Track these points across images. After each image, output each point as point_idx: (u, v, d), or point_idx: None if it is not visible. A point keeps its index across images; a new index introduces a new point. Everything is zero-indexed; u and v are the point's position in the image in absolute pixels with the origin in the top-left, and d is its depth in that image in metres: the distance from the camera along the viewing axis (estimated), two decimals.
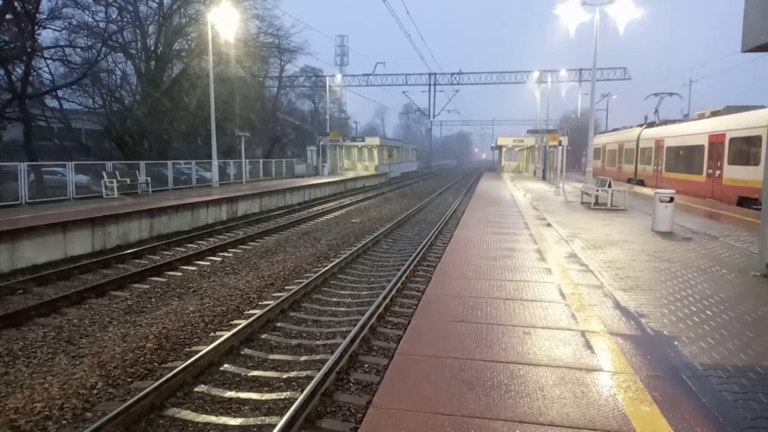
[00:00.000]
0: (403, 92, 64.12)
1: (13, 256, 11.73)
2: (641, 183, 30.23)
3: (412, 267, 12.32)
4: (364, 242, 15.53)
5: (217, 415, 5.82)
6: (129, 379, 6.62)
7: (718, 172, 20.15)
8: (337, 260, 12.88)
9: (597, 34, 23.24)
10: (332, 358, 6.78)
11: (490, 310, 6.34)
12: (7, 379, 6.51)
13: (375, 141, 56.19)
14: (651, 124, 31.79)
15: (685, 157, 24.04)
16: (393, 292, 10.17)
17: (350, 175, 44.97)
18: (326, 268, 11.94)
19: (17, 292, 10.24)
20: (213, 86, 26.45)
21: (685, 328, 5.72)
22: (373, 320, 8.56)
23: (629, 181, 31.86)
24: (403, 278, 11.28)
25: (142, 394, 5.79)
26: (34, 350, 7.43)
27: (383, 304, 9.34)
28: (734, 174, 18.96)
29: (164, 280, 11.59)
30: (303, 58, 60.27)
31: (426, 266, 12.75)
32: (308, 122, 61.98)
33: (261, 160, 36.84)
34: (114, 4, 32.07)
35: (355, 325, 8.14)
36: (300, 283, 10.94)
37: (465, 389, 4.22)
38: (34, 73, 28.10)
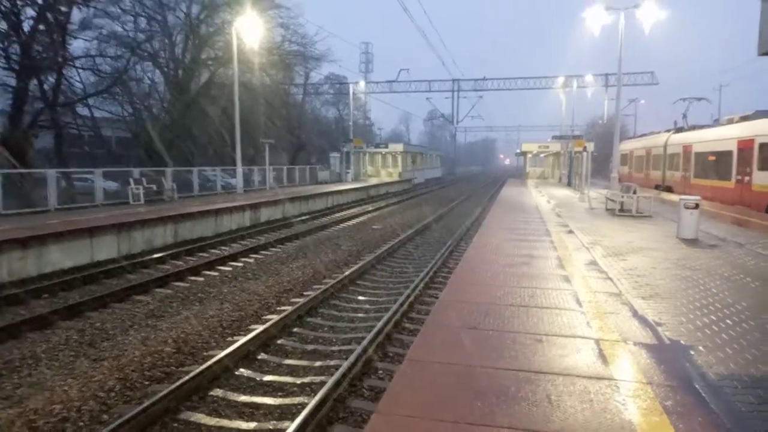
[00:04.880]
0: (427, 98, 64.18)
1: (40, 260, 12.03)
2: (669, 189, 29.67)
3: (431, 274, 12.29)
4: (384, 249, 15.56)
5: (230, 419, 5.89)
6: (146, 383, 6.73)
7: (747, 178, 19.68)
8: (356, 266, 12.92)
9: (622, 38, 22.96)
10: (346, 364, 6.81)
11: (503, 317, 6.29)
12: (30, 380, 6.68)
13: (398, 147, 56.24)
14: (679, 130, 31.22)
15: (713, 163, 23.54)
16: (411, 299, 10.16)
17: (374, 181, 45.09)
18: (345, 275, 11.99)
19: (43, 296, 10.50)
20: (238, 94, 26.83)
21: (702, 337, 5.60)
22: (389, 327, 8.56)
23: (657, 187, 31.30)
24: (422, 285, 11.26)
25: (157, 397, 5.90)
26: (56, 353, 7.62)
27: (400, 311, 9.34)
28: (764, 180, 18.50)
29: (186, 284, 11.77)
30: (327, 66, 60.71)
31: (446, 273, 12.70)
32: (332, 129, 62.38)
33: (285, 167, 37.17)
34: (143, 14, 32.84)
35: (370, 331, 8.16)
36: (318, 288, 11.00)
37: (471, 396, 4.20)
38: (66, 82, 28.86)
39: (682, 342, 5.48)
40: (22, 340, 8.17)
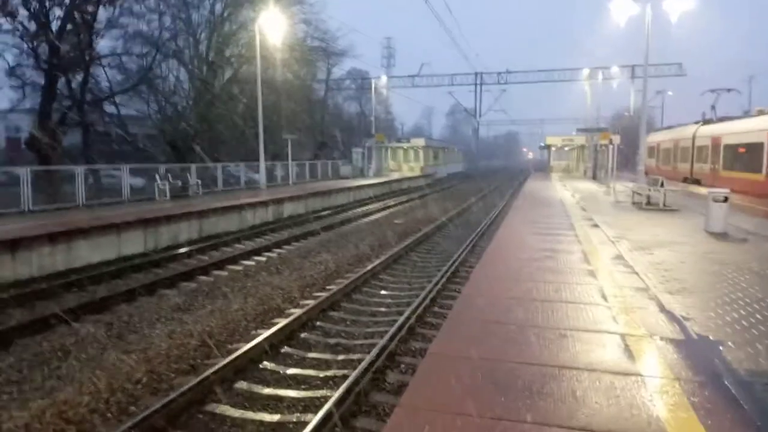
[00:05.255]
0: (449, 92, 63.72)
1: (69, 255, 12.27)
2: (697, 182, 29.08)
3: (453, 269, 12.24)
4: (406, 243, 15.54)
5: (254, 411, 5.95)
6: (173, 375, 6.83)
7: None
8: (379, 261, 12.93)
9: (649, 29, 22.56)
10: (369, 358, 6.83)
11: (526, 312, 6.23)
12: (59, 373, 6.83)
13: (420, 142, 56.03)
14: (708, 122, 30.58)
15: (743, 155, 22.99)
16: (433, 293, 10.14)
17: (395, 176, 45.05)
18: (367, 269, 12.01)
19: (72, 290, 10.71)
20: (261, 90, 26.99)
21: (731, 333, 5.48)
22: (411, 320, 8.56)
23: (685, 180, 30.71)
24: (444, 279, 11.22)
25: (183, 389, 5.98)
26: (85, 346, 7.76)
27: (423, 305, 9.33)
28: None
29: (211, 279, 11.91)
30: (349, 61, 60.95)
31: (468, 267, 12.64)
32: (354, 124, 62.41)
33: (307, 162, 37.34)
34: (167, 12, 33.21)
35: (393, 325, 8.17)
36: (341, 283, 11.04)
37: (494, 391, 4.17)
38: (93, 81, 29.33)
39: (710, 337, 5.37)
40: (51, 333, 8.35)
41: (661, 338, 5.34)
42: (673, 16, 21.91)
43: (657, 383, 4.31)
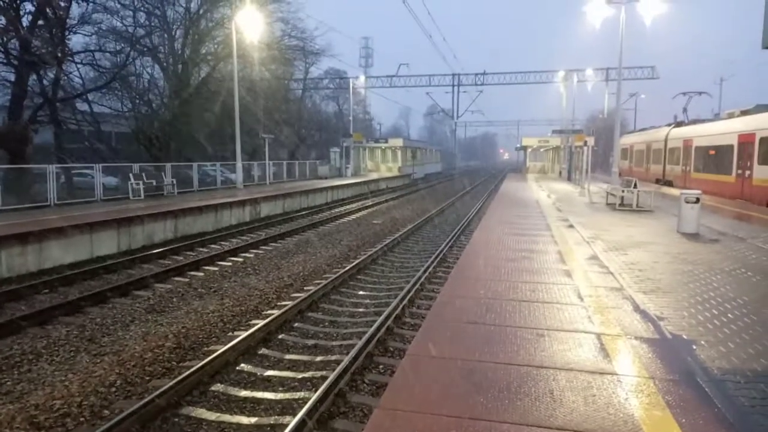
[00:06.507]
0: (427, 93, 63.91)
1: (40, 256, 12.01)
2: (669, 184, 29.65)
3: (431, 269, 12.28)
4: (384, 243, 15.54)
5: (231, 414, 5.89)
6: (147, 378, 6.73)
7: (747, 172, 19.65)
8: (357, 261, 12.90)
9: (623, 32, 22.90)
10: (347, 359, 6.80)
11: (504, 312, 6.27)
12: (30, 376, 6.67)
13: (398, 142, 56.07)
14: (679, 124, 31.18)
15: (714, 158, 23.50)
16: (411, 294, 10.15)
17: (373, 176, 45.01)
18: (345, 270, 11.97)
19: (43, 292, 10.48)
20: (238, 89, 26.74)
21: (704, 332, 5.58)
22: (389, 321, 8.55)
23: (657, 181, 31.27)
24: (422, 280, 11.25)
25: (158, 392, 5.89)
26: (56, 348, 7.60)
27: (401, 306, 9.33)
28: (764, 174, 18.47)
29: (186, 280, 11.75)
30: (327, 61, 60.73)
31: (446, 268, 12.69)
32: (332, 124, 62.22)
33: (285, 162, 37.12)
34: (142, 8, 32.68)
35: (371, 326, 8.15)
36: (319, 284, 10.99)
37: (473, 391, 4.18)
38: (65, 78, 28.69)
39: (684, 336, 5.46)
40: (22, 335, 8.16)
41: (636, 337, 5.41)
42: (647, 19, 22.27)
43: (632, 382, 4.37)
